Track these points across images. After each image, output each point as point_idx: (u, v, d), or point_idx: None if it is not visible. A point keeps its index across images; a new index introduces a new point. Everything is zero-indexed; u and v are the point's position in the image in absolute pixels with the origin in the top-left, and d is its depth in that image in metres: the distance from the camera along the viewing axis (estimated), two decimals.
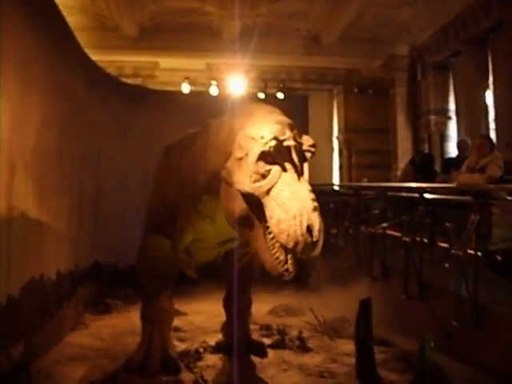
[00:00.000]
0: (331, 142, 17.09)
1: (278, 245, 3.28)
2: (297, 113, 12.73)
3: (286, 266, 3.32)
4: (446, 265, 5.95)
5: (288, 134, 3.50)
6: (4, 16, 4.67)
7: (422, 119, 14.55)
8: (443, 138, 13.95)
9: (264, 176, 3.43)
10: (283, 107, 12.41)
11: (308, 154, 3.64)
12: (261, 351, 5.65)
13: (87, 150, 7.99)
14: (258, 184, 3.42)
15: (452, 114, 14.01)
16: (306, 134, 11.18)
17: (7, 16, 4.75)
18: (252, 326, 6.16)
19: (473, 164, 6.92)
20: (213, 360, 5.54)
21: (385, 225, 7.26)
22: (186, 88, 14.58)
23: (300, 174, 3.47)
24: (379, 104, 15.72)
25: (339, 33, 13.74)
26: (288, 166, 3.43)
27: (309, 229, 3.21)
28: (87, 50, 8.25)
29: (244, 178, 3.50)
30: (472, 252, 5.17)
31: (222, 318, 6.20)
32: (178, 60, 14.58)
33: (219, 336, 6.07)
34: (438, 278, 6.04)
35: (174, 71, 14.95)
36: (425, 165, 10.33)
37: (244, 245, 5.41)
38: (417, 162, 10.87)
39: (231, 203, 3.64)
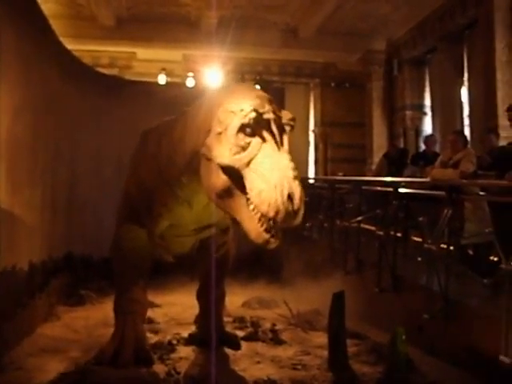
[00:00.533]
0: (307, 135, 17.15)
1: (259, 215, 3.28)
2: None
3: (270, 234, 3.32)
4: (419, 258, 6.04)
5: (267, 107, 3.50)
6: None
7: (398, 114, 14.66)
8: (418, 133, 14.09)
9: (244, 148, 3.45)
10: None
11: (287, 128, 3.64)
12: (234, 343, 5.65)
13: (61, 140, 7.89)
14: (237, 156, 3.43)
15: (427, 109, 14.15)
16: None
17: None
18: (225, 319, 6.17)
19: (446, 159, 6.98)
20: (186, 352, 5.52)
21: (359, 218, 7.31)
22: (162, 79, 14.50)
23: (280, 145, 3.48)
24: (355, 98, 15.81)
25: (317, 26, 13.78)
26: (268, 137, 3.45)
27: (290, 197, 3.22)
28: (62, 39, 8.14)
29: (224, 152, 3.51)
30: (444, 246, 5.23)
31: (196, 309, 6.20)
32: (154, 51, 14.49)
33: (192, 328, 6.07)
34: (410, 272, 6.11)
35: (151, 62, 14.87)
36: (400, 159, 10.43)
37: (220, 234, 5.41)
38: (391, 155, 10.98)
39: (212, 178, 3.62)
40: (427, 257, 5.42)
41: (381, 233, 6.49)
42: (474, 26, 10.98)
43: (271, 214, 3.22)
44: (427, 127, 14.10)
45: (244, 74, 15.25)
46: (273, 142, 3.46)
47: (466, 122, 11.77)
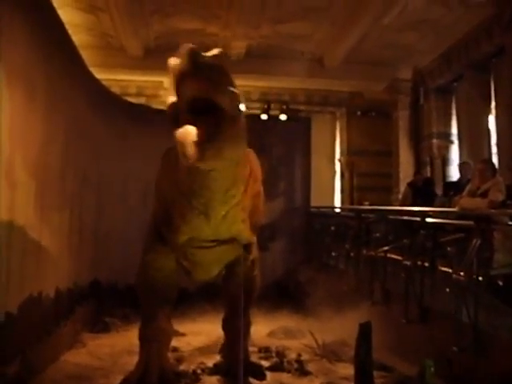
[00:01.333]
0: (333, 164, 17.13)
1: None
2: (300, 134, 12.78)
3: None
4: (447, 289, 5.93)
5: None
6: (10, 34, 4.70)
7: (424, 143, 14.58)
8: (445, 161, 13.98)
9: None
10: (286, 129, 12.51)
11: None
12: (259, 374, 5.58)
13: (89, 168, 7.99)
14: None
15: (454, 137, 14.05)
16: (309, 156, 11.15)
17: (13, 34, 4.78)
18: (250, 348, 6.11)
19: (475, 188, 6.90)
20: (210, 382, 5.48)
21: (386, 248, 7.23)
22: None
23: None
24: (381, 127, 15.78)
25: (343, 55, 13.84)
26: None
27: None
28: (92, 69, 8.29)
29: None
30: (473, 277, 5.14)
31: (221, 339, 6.15)
32: None
33: (217, 357, 6.02)
34: (438, 303, 6.00)
35: None
36: (425, 188, 10.34)
37: (242, 250, 5.33)
38: (416, 184, 10.90)
39: None
40: (456, 287, 5.32)
41: (408, 263, 6.40)
42: (501, 54, 10.92)
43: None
44: (454, 156, 13.99)
45: (270, 103, 15.35)
46: None
47: (494, 150, 11.65)
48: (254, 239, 5.69)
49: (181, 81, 3.22)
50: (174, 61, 3.39)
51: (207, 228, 4.68)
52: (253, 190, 4.90)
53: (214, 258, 5.24)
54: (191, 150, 3.15)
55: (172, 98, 3.42)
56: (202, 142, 3.14)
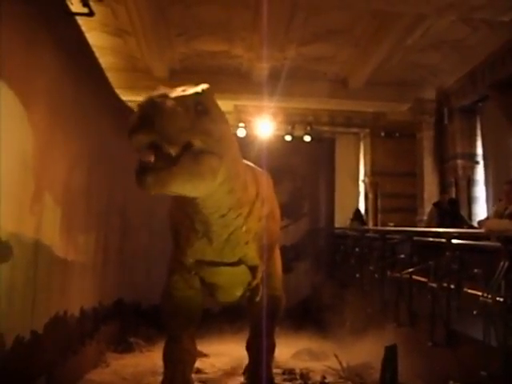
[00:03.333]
0: (357, 185, 17.06)
1: None
2: (324, 155, 12.81)
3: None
4: (474, 312, 5.83)
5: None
6: (39, 57, 4.80)
7: (449, 163, 14.45)
8: (470, 182, 13.81)
9: None
10: (310, 150, 12.55)
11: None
12: None
13: (114, 190, 8.07)
14: None
15: (479, 158, 13.89)
16: (333, 176, 11.19)
17: (42, 58, 4.88)
18: (275, 370, 6.09)
19: (502, 209, 6.81)
20: None
21: (411, 270, 7.15)
22: None
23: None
24: (406, 148, 15.67)
25: (366, 77, 13.83)
26: None
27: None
28: (118, 90, 8.40)
29: None
30: (501, 299, 5.05)
31: (245, 360, 6.13)
32: None
33: (241, 379, 6.00)
34: (465, 326, 5.90)
35: None
36: (451, 209, 10.26)
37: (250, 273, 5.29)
38: (441, 205, 10.81)
39: None
40: (483, 310, 5.23)
41: (434, 285, 6.32)
42: None
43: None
44: (479, 176, 13.84)
45: (294, 125, 15.38)
46: None
47: None
48: (278, 255, 5.69)
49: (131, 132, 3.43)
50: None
51: (210, 250, 4.71)
52: (260, 212, 4.89)
53: (229, 280, 5.24)
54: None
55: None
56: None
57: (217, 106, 3.91)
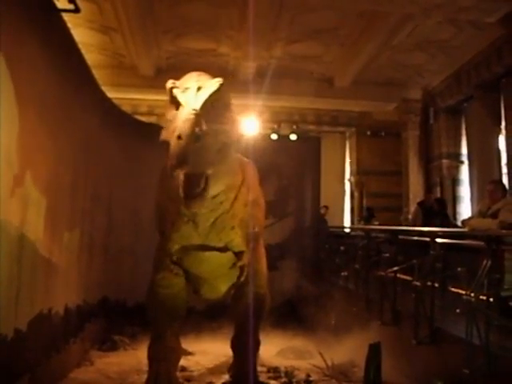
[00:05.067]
0: (343, 184, 17.12)
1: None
2: (310, 154, 12.83)
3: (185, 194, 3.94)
4: (458, 310, 5.87)
5: (185, 81, 4.27)
6: (23, 52, 4.77)
7: (434, 163, 14.55)
8: (455, 181, 13.93)
9: (171, 121, 4.11)
10: (296, 149, 12.55)
11: (211, 88, 4.14)
12: None
13: (99, 186, 8.04)
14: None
15: (464, 158, 14.02)
16: (319, 175, 11.21)
17: (26, 52, 4.85)
18: (259, 368, 6.09)
19: (485, 209, 6.86)
20: None
21: (395, 268, 7.18)
22: None
23: (191, 102, 3.99)
24: (391, 147, 15.76)
25: (353, 76, 13.89)
26: (183, 102, 4.05)
27: (179, 137, 3.72)
28: (104, 87, 8.37)
29: (162, 131, 4.28)
30: (484, 298, 5.09)
31: (230, 358, 6.13)
32: None
33: (226, 377, 6.00)
34: (449, 324, 5.94)
35: None
36: (440, 209, 10.33)
37: (235, 258, 5.30)
38: (426, 205, 10.88)
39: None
40: (466, 308, 5.27)
41: (418, 283, 6.35)
42: (511, 74, 10.92)
43: (173, 162, 3.79)
44: (464, 176, 13.95)
45: (280, 123, 15.39)
46: (184, 102, 4.01)
47: (504, 170, 11.58)
48: (263, 253, 5.70)
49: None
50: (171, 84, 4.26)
51: (196, 235, 4.76)
52: (246, 197, 4.96)
53: (213, 270, 5.24)
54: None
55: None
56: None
57: (229, 96, 4.49)
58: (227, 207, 4.62)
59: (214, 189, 4.13)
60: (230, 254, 5.07)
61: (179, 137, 3.65)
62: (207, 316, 9.04)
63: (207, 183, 3.93)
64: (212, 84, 4.16)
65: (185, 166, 3.72)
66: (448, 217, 10.64)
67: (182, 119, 3.79)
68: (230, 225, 4.83)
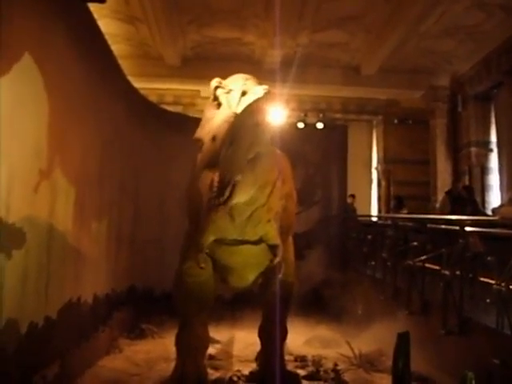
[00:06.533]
0: (370, 172, 17.00)
1: None
2: (336, 143, 12.72)
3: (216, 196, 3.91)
4: (488, 300, 5.80)
5: (230, 82, 4.35)
6: (52, 42, 4.80)
7: (463, 151, 14.37)
8: (484, 170, 13.73)
9: (209, 120, 4.18)
10: (323, 137, 12.43)
11: (256, 95, 4.06)
12: (295, 382, 5.56)
13: (127, 176, 8.08)
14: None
15: (493, 146, 13.80)
16: (345, 164, 11.07)
17: (55, 43, 4.88)
18: (286, 357, 6.09)
19: None
20: None
21: (424, 257, 7.11)
22: None
23: (236, 106, 4.02)
24: (419, 135, 15.60)
25: (379, 63, 13.76)
26: (224, 102, 4.11)
27: (213, 139, 3.82)
28: (130, 78, 8.40)
29: (198, 129, 4.41)
30: None
31: (257, 346, 6.14)
32: None
33: (253, 365, 6.01)
34: (478, 314, 5.87)
35: None
36: (464, 197, 10.20)
37: (270, 253, 5.27)
38: (454, 193, 10.75)
39: None
40: (496, 298, 5.19)
41: (446, 272, 6.28)
42: None
43: (204, 163, 3.98)
44: (493, 164, 13.74)
45: (307, 112, 15.32)
46: (226, 104, 4.05)
47: None
48: (291, 241, 5.69)
49: None
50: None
51: (232, 228, 4.73)
52: (281, 191, 4.93)
53: (244, 261, 5.22)
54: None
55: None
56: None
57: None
58: (263, 201, 4.56)
59: (239, 198, 4.03)
60: (262, 246, 5.04)
61: (214, 138, 3.61)
62: (234, 304, 9.06)
63: (233, 192, 3.84)
64: (257, 91, 4.06)
65: (214, 169, 3.66)
66: (477, 204, 10.49)
67: (220, 121, 3.74)
68: (265, 218, 4.79)
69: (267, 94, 4.09)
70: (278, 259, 5.15)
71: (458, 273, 6.18)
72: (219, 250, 5.04)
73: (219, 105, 4.06)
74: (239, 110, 3.84)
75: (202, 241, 4.87)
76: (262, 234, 4.92)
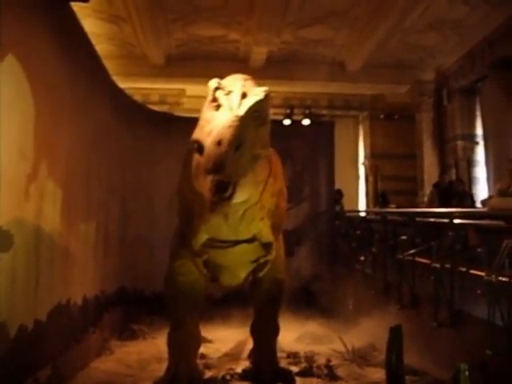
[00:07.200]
0: (357, 168, 17.04)
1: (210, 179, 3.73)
2: (323, 139, 12.71)
3: (216, 195, 3.77)
4: (478, 291, 5.82)
5: (230, 83, 4.15)
6: (36, 43, 4.75)
7: (449, 144, 14.44)
8: (470, 163, 13.81)
9: (209, 121, 3.96)
10: (309, 134, 12.43)
11: (256, 97, 4.01)
12: (289, 379, 5.54)
13: (114, 176, 8.02)
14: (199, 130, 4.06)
15: (479, 138, 13.89)
16: (333, 160, 11.08)
17: (39, 43, 4.82)
18: (279, 354, 6.06)
19: (505, 188, 6.78)
20: None
21: (413, 251, 7.12)
22: None
23: (236, 108, 3.86)
24: (405, 129, 15.66)
25: (364, 59, 13.78)
26: (224, 103, 3.93)
27: (219, 143, 3.59)
28: (114, 78, 8.34)
29: (196, 129, 4.14)
30: (505, 279, 5.02)
31: (248, 344, 6.13)
32: (204, 87, 14.66)
33: (246, 363, 5.99)
34: (469, 306, 5.89)
35: (200, 98, 15.01)
36: (462, 189, 10.30)
37: (263, 250, 5.24)
38: (441, 186, 10.81)
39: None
40: (487, 289, 5.21)
41: (437, 265, 6.30)
42: None
43: (207, 164, 3.68)
44: (480, 157, 13.82)
45: (293, 108, 15.33)
46: (227, 106, 3.89)
47: None
48: (281, 238, 5.67)
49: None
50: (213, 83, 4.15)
51: (226, 227, 4.69)
52: (273, 188, 4.90)
53: (237, 260, 5.18)
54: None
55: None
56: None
57: (269, 106, 4.31)
58: (256, 199, 4.54)
59: (239, 196, 4.00)
60: (256, 244, 5.01)
61: (219, 142, 3.55)
62: (225, 304, 9.03)
63: (234, 191, 3.83)
64: (257, 92, 4.03)
65: (220, 173, 3.63)
66: (472, 197, 10.58)
67: (222, 124, 3.67)
68: (259, 216, 4.76)
69: (267, 95, 4.08)
70: (271, 256, 5.14)
71: (447, 265, 6.19)
72: (212, 249, 5.00)
73: (218, 106, 3.97)
74: (241, 112, 3.79)
75: (196, 238, 4.85)
76: (256, 232, 4.89)
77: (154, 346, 7.14)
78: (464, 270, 6.34)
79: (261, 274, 5.29)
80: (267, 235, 5.02)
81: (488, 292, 5.11)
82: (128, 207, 8.90)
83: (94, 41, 7.10)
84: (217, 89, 4.05)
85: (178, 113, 14.19)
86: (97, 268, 7.10)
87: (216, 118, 3.88)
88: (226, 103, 3.90)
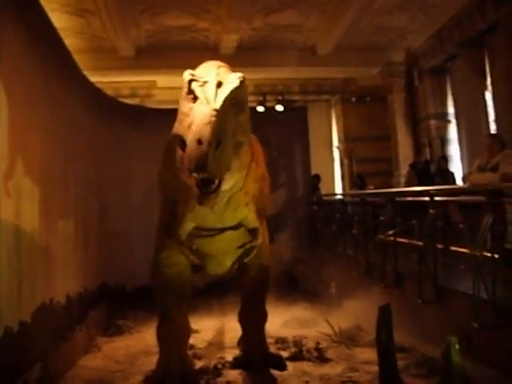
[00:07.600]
0: (332, 151, 17.09)
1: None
2: (297, 124, 12.75)
3: (201, 192, 3.72)
4: (462, 266, 5.89)
5: (203, 72, 4.05)
6: (4, 40, 4.63)
7: (422, 124, 14.54)
8: (444, 141, 13.93)
9: (187, 114, 3.89)
10: (283, 120, 12.43)
11: (232, 85, 3.93)
12: (280, 364, 5.55)
13: (90, 172, 7.93)
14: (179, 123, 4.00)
15: (451, 117, 14.01)
16: (307, 145, 11.11)
17: (7, 40, 4.71)
18: (267, 340, 6.07)
19: (484, 163, 6.83)
20: (232, 375, 5.44)
21: (394, 231, 7.16)
22: None
23: (213, 100, 3.77)
24: (378, 111, 15.73)
25: (334, 43, 13.78)
26: (200, 95, 3.83)
27: (200, 142, 3.49)
28: (85, 72, 8.22)
29: (176, 123, 4.08)
30: (488, 253, 5.08)
31: (236, 332, 6.13)
32: (175, 78, 14.52)
33: (236, 351, 5.98)
34: (453, 281, 5.95)
35: (172, 89, 14.88)
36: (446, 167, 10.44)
37: (249, 235, 5.22)
38: (418, 166, 10.91)
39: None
40: (471, 264, 5.26)
41: (420, 243, 6.35)
42: (495, 30, 10.84)
43: (188, 164, 3.59)
44: (453, 135, 13.95)
45: (266, 95, 15.30)
46: (203, 98, 3.79)
47: (493, 126, 11.58)
48: (265, 224, 5.66)
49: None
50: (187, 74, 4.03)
51: (212, 214, 4.65)
52: (256, 174, 4.89)
53: (224, 248, 5.15)
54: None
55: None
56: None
57: (246, 91, 4.26)
58: (240, 184, 4.52)
59: (227, 184, 4.01)
60: (242, 230, 4.99)
61: (199, 141, 3.46)
62: (209, 293, 9.02)
63: (221, 182, 3.80)
64: (233, 80, 3.94)
65: (203, 173, 3.56)
66: (452, 174, 10.71)
67: (200, 120, 3.57)
68: (243, 202, 4.74)
69: (243, 81, 4.01)
70: (256, 242, 5.12)
71: (430, 243, 6.24)
72: (198, 238, 4.96)
73: (195, 98, 3.88)
74: (218, 104, 3.71)
75: (182, 227, 4.81)
76: (241, 218, 4.88)
77: (141, 340, 7.11)
78: (446, 246, 6.42)
79: (247, 260, 5.28)
80: (253, 221, 5.01)
81: (472, 266, 5.17)
82: (106, 203, 8.82)
83: (62, 35, 6.98)
84: (191, 81, 3.97)
85: (150, 105, 14.07)
86: (78, 265, 7.02)
87: (193, 111, 3.80)
88: (201, 95, 3.80)
